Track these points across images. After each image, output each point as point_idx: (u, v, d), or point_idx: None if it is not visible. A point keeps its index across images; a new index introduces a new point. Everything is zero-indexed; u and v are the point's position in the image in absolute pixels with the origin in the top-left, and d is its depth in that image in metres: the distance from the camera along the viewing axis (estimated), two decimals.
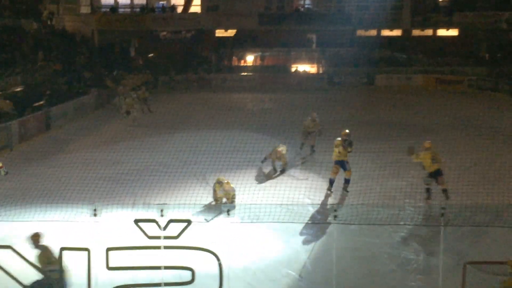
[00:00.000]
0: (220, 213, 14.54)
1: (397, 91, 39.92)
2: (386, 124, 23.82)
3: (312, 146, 21.39)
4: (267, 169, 19.30)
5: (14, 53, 33.05)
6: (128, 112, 28.76)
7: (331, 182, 16.77)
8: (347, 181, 16.75)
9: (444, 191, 15.71)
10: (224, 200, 15.49)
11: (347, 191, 16.65)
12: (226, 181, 15.65)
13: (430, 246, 12.96)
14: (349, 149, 16.49)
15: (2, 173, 16.98)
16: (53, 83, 33.60)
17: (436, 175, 15.72)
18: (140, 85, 35.92)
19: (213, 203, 15.62)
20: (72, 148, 23.19)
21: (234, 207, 14.88)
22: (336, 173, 16.64)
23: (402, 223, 14.38)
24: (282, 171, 19.24)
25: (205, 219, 14.13)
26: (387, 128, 23.19)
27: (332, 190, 16.71)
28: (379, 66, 45.74)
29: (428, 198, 15.76)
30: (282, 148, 19.41)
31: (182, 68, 45.81)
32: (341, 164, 16.57)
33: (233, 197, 15.50)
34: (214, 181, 15.92)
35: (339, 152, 16.42)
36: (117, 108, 31.70)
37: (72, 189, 16.52)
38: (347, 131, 16.64)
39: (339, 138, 16.51)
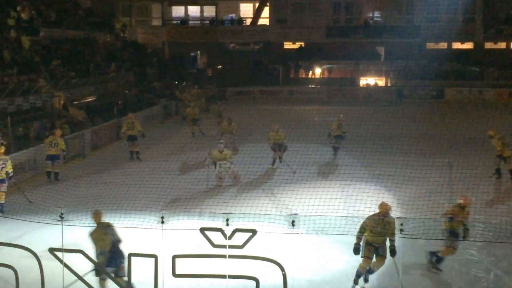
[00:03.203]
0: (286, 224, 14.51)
1: (467, 105, 38.99)
2: (456, 139, 23.27)
3: None
4: (331, 182, 19.15)
5: (88, 64, 34.14)
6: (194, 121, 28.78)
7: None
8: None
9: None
10: None
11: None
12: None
13: (501, 264, 12.59)
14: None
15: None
16: (124, 93, 34.54)
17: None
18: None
19: None
20: (142, 157, 23.71)
21: None
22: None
23: (472, 239, 14.00)
24: None
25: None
26: (457, 142, 22.66)
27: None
28: (449, 79, 44.82)
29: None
30: None
31: (249, 79, 46.21)
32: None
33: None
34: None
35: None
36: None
37: (141, 197, 16.86)
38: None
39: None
